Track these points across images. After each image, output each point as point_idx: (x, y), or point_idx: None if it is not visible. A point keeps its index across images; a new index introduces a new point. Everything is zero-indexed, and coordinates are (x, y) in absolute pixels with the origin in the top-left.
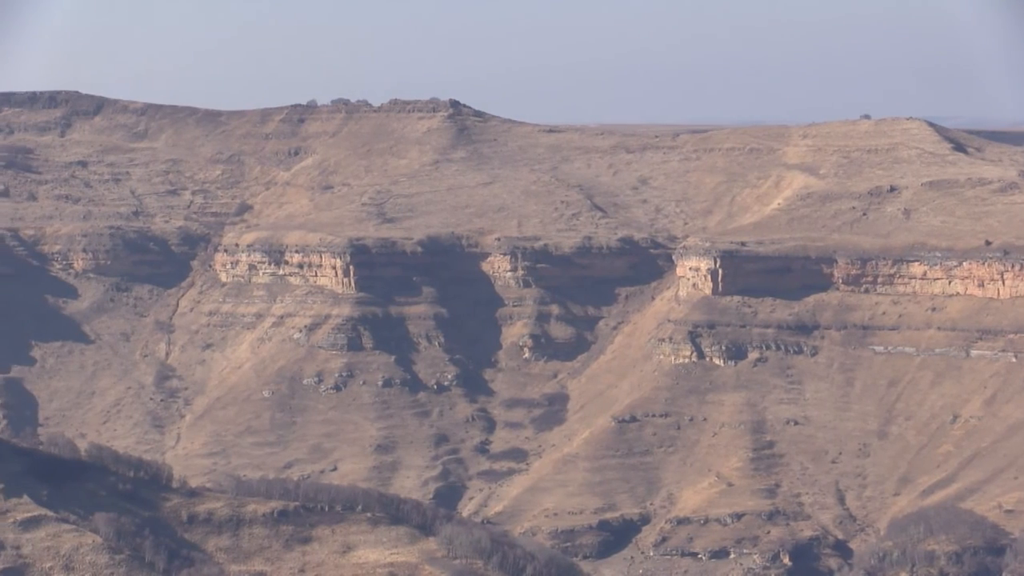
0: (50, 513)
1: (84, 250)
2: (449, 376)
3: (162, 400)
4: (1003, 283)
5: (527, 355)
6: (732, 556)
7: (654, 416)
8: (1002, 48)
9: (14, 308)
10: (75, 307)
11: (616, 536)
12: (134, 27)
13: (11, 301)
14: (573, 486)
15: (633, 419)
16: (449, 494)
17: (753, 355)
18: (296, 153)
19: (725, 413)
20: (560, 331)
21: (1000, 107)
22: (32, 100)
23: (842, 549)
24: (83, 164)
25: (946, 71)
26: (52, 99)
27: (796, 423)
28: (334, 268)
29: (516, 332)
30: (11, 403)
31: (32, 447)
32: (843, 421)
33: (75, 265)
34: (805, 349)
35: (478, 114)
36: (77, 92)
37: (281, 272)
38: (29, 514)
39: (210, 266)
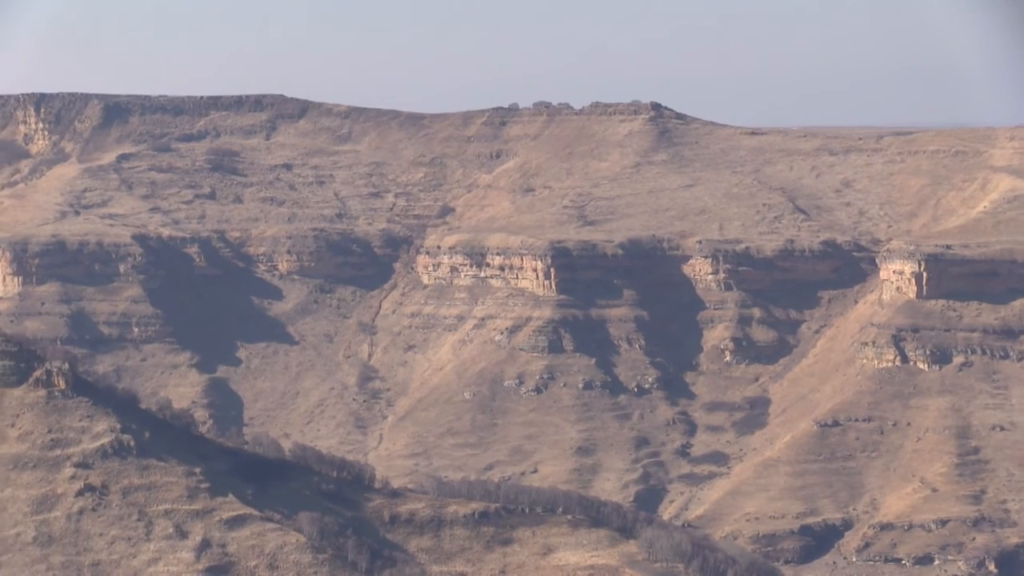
0: (255, 512)
1: (288, 252)
2: (650, 379)
3: (365, 401)
4: None
5: (728, 358)
6: (936, 563)
7: (857, 420)
8: None
9: (220, 309)
10: (279, 308)
11: (818, 541)
12: (339, 30)
13: (217, 302)
14: (775, 490)
15: (836, 423)
16: (649, 497)
17: (958, 360)
18: (498, 156)
19: (929, 418)
20: (762, 334)
21: None
22: (238, 104)
23: None
24: (288, 167)
25: None
26: (258, 102)
27: (1002, 428)
28: (535, 270)
29: (717, 335)
30: (217, 403)
31: (237, 447)
32: None
33: (280, 267)
34: (1011, 354)
35: (680, 116)
36: (282, 95)
37: (482, 274)
38: (234, 513)
39: (412, 268)
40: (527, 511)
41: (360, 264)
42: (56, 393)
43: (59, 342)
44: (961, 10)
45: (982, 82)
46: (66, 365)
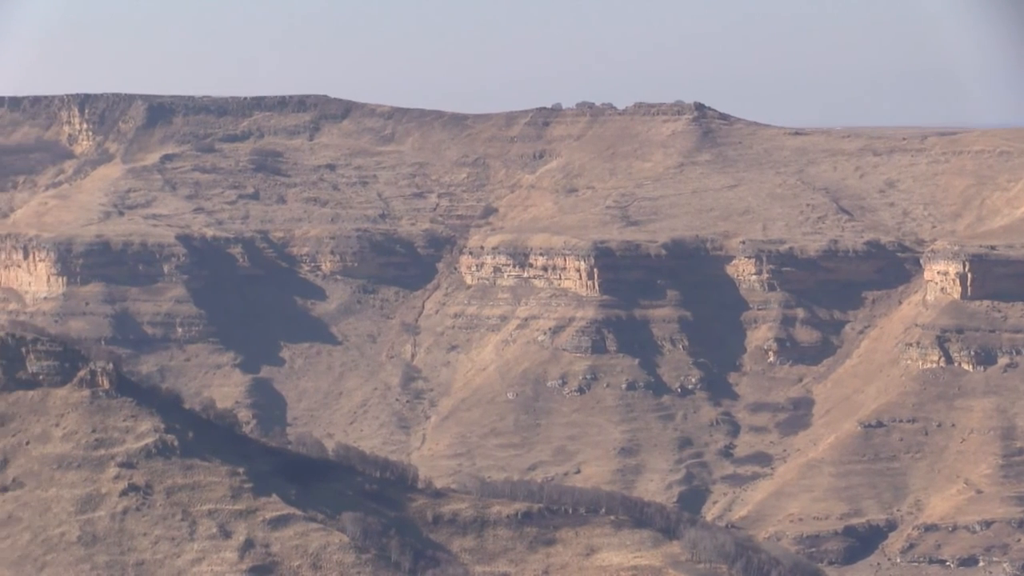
0: (298, 512)
1: (332, 252)
2: (693, 379)
3: (408, 401)
4: None
5: (772, 359)
6: (981, 564)
7: (901, 421)
8: None
9: (264, 309)
10: (323, 308)
11: (862, 542)
12: (383, 31)
13: (261, 302)
14: (818, 491)
15: (880, 424)
16: (693, 498)
17: (1003, 360)
18: (541, 156)
19: (974, 419)
20: (805, 335)
21: None
22: (282, 104)
23: None
24: (331, 167)
25: None
26: (301, 103)
27: None
28: (578, 271)
29: (761, 336)
30: (260, 403)
31: (281, 447)
32: None
33: (323, 267)
34: None
35: (723, 116)
36: (326, 96)
37: (525, 275)
38: (278, 513)
39: (455, 268)
40: (570, 512)
41: (403, 264)
42: (100, 393)
43: (103, 342)
44: (1002, 10)
45: None
46: (110, 365)
